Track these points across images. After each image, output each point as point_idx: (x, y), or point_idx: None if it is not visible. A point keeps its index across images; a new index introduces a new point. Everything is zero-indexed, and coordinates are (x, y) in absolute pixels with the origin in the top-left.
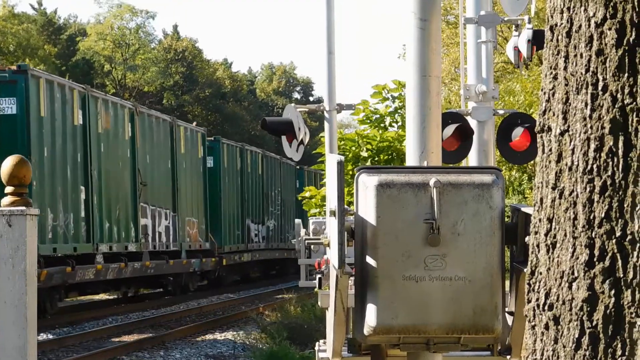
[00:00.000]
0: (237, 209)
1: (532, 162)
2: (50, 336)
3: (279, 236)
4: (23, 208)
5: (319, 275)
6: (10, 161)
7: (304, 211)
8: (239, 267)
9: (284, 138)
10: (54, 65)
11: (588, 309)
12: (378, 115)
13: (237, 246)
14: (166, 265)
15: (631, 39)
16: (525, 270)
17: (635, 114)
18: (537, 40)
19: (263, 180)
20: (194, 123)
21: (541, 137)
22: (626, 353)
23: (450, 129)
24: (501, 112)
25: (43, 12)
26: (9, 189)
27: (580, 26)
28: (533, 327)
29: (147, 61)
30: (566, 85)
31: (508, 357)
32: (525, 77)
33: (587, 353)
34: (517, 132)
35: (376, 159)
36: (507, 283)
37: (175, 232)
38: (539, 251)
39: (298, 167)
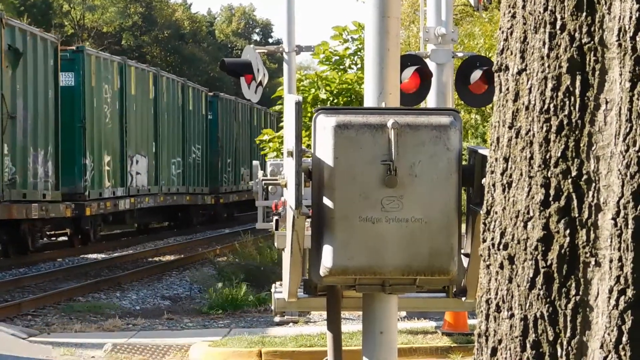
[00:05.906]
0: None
1: (490, 105)
2: (8, 277)
3: None
4: None
5: (276, 217)
6: None
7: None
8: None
9: (242, 79)
10: (12, 5)
11: (543, 248)
12: (338, 57)
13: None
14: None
15: None
16: (481, 211)
17: (592, 53)
18: None
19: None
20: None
21: (498, 76)
22: (580, 292)
23: (409, 71)
24: (460, 54)
25: None
26: None
27: None
28: (488, 266)
29: (105, 1)
30: (524, 24)
31: (463, 298)
32: (486, 20)
33: (542, 292)
34: (476, 75)
35: (335, 101)
36: (464, 225)
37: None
38: (494, 190)
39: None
